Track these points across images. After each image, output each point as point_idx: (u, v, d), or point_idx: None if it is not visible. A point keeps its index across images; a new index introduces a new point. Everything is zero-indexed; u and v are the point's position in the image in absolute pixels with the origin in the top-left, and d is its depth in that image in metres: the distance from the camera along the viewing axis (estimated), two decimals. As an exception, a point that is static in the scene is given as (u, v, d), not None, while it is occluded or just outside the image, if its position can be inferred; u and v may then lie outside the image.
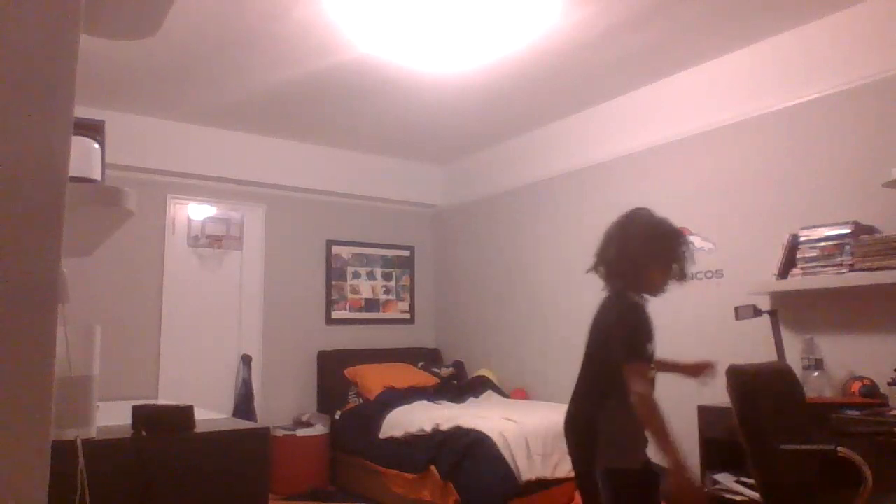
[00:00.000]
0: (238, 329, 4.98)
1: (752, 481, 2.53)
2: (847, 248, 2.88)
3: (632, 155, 4.20)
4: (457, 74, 3.86)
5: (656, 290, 2.08)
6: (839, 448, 2.06)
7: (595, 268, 2.13)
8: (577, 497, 3.59)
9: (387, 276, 5.81)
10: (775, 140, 3.42)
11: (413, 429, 4.02)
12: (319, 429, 4.75)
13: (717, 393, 2.64)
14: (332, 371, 5.15)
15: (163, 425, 1.61)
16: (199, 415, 1.75)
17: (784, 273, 3.11)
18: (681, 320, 3.62)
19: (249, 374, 4.84)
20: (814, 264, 2.98)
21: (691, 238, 3.75)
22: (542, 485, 3.51)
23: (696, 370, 2.24)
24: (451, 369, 5.44)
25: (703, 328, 3.62)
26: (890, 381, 2.68)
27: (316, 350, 5.29)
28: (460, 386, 5.08)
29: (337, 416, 4.85)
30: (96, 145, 1.33)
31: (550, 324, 4.74)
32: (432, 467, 3.69)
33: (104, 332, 1.63)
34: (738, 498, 2.70)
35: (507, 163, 5.27)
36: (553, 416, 3.87)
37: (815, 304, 3.13)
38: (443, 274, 6.00)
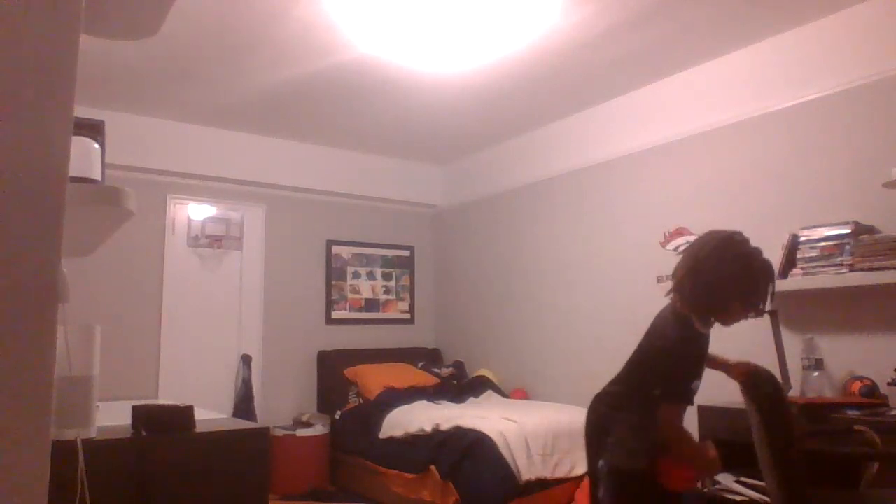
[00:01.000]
0: (238, 329, 4.98)
1: (752, 481, 2.53)
2: (847, 248, 2.88)
3: (632, 155, 4.20)
4: (457, 74, 3.86)
5: (731, 322, 1.97)
6: (855, 426, 2.06)
7: (676, 289, 1.98)
8: (577, 497, 3.59)
9: (387, 276, 5.81)
10: (775, 140, 3.42)
11: (413, 429, 4.02)
12: (319, 429, 4.75)
13: (717, 394, 2.64)
14: (332, 371, 5.15)
15: (163, 425, 1.62)
16: (199, 415, 1.76)
17: (784, 273, 3.10)
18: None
19: (249, 374, 4.84)
20: (814, 264, 2.98)
21: (691, 238, 3.75)
22: (542, 485, 3.51)
23: (743, 373, 2.12)
24: (451, 369, 5.44)
25: (703, 328, 3.61)
26: (890, 381, 2.68)
27: (316, 350, 5.29)
28: (460, 386, 5.08)
29: (337, 416, 4.85)
30: (96, 145, 1.33)
31: (550, 324, 4.74)
32: (432, 467, 3.69)
33: (104, 332, 1.63)
34: (738, 498, 2.69)
35: (507, 163, 5.27)
36: (553, 416, 3.87)
37: (815, 304, 3.13)
38: (443, 274, 6.00)
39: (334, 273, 5.50)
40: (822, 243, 2.97)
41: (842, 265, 2.89)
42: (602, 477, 1.97)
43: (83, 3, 0.86)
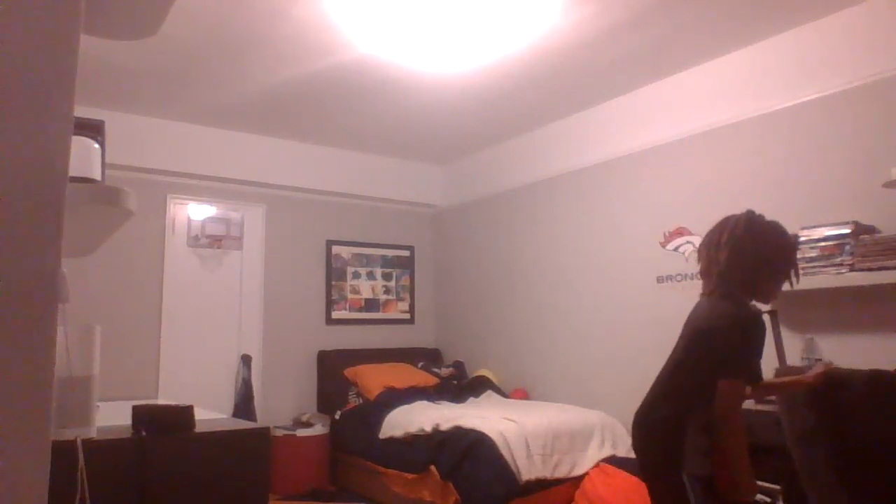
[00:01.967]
0: (238, 329, 4.98)
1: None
2: (847, 248, 2.88)
3: (632, 155, 4.20)
4: (457, 74, 3.86)
5: (772, 297, 1.99)
6: None
7: (707, 273, 2.00)
8: (577, 497, 3.59)
9: (387, 276, 5.81)
10: (775, 140, 3.42)
11: (413, 429, 4.02)
12: (319, 429, 4.75)
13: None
14: (332, 371, 5.15)
15: (163, 425, 1.62)
16: (199, 415, 1.76)
17: (784, 273, 3.10)
18: (681, 320, 3.61)
19: (249, 374, 4.84)
20: (814, 264, 2.98)
21: (691, 238, 3.75)
22: (542, 485, 3.51)
23: (819, 380, 2.07)
24: (451, 369, 5.44)
25: (703, 328, 3.61)
26: (890, 381, 2.68)
27: (316, 350, 5.29)
28: (460, 386, 5.09)
29: (337, 416, 4.85)
30: (96, 145, 1.33)
31: (550, 324, 4.74)
32: (432, 467, 3.69)
33: (104, 332, 1.63)
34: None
35: (507, 163, 5.27)
36: (553, 416, 3.87)
37: (815, 304, 3.13)
38: (443, 274, 6.00)
39: (334, 273, 5.50)
40: (823, 243, 2.97)
41: (842, 265, 2.89)
42: (690, 492, 1.82)
43: (83, 3, 0.85)
